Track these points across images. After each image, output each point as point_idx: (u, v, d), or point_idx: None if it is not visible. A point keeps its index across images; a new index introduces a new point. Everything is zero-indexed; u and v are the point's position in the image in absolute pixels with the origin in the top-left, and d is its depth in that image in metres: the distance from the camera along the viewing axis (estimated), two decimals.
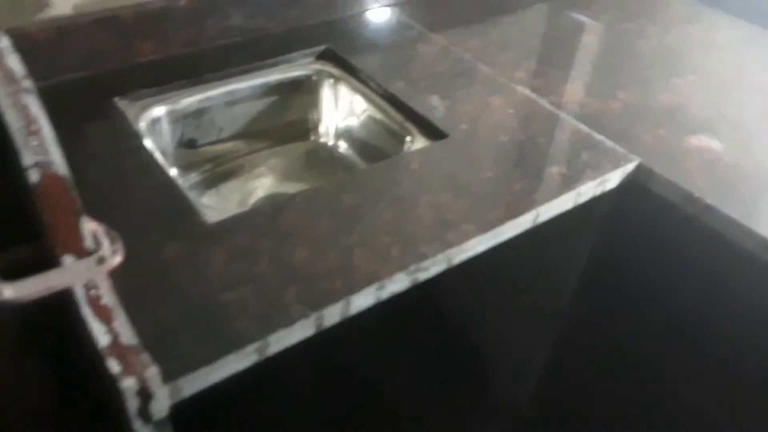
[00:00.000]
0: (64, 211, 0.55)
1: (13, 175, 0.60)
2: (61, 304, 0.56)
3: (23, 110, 0.61)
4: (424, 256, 0.75)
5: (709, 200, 0.86)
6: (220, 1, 1.08)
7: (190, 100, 1.03)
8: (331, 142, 1.18)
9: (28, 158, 0.58)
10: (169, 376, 0.59)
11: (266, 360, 0.66)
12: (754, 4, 1.33)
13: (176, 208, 0.79)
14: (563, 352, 1.18)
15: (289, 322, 0.66)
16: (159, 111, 0.99)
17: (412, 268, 0.73)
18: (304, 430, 0.86)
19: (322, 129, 1.17)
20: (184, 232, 0.76)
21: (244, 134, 1.13)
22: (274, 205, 0.81)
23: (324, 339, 0.70)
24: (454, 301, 0.95)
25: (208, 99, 1.05)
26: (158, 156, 0.87)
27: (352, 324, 0.72)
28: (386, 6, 1.28)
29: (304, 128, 1.17)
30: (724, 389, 0.95)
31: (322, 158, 1.17)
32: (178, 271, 0.71)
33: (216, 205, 1.04)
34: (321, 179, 1.12)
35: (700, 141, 0.97)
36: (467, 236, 0.78)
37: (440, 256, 0.75)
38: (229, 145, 1.12)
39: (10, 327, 0.69)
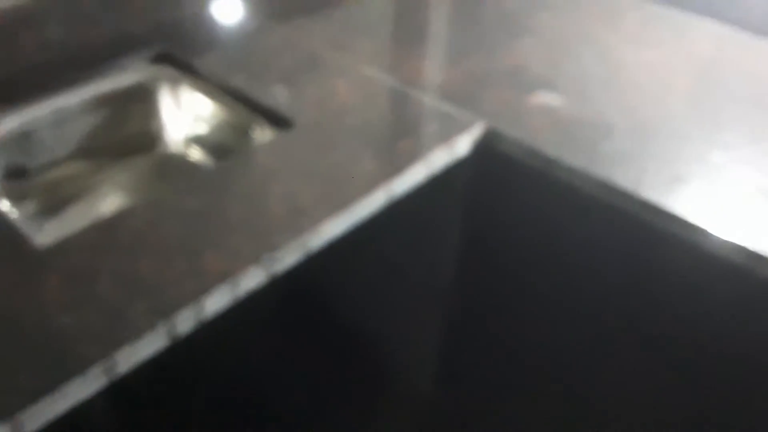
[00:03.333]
0: None
1: None
2: None
3: None
4: (277, 247, 0.72)
5: (552, 153, 0.89)
6: (33, 14, 1.00)
7: (10, 124, 0.93)
8: (180, 150, 1.12)
9: None
10: (8, 411, 0.53)
11: (120, 380, 0.61)
12: None
13: (1, 238, 0.72)
14: (457, 328, 1.19)
15: (136, 336, 0.61)
16: None
17: (266, 260, 0.70)
18: None
19: (168, 137, 1.11)
20: (13, 261, 0.69)
21: (82, 153, 1.05)
22: (112, 219, 0.75)
23: (192, 347, 0.66)
24: (332, 289, 0.92)
25: (32, 120, 0.96)
26: None
27: (219, 327, 0.68)
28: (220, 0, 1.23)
29: (149, 138, 1.10)
30: (596, 335, 0.99)
31: (174, 168, 1.11)
32: (9, 303, 0.64)
33: (59, 233, 0.96)
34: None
35: (541, 98, 1.01)
36: (321, 220, 0.76)
37: (294, 244, 0.73)
38: (67, 167, 1.04)
39: None
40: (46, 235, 0.94)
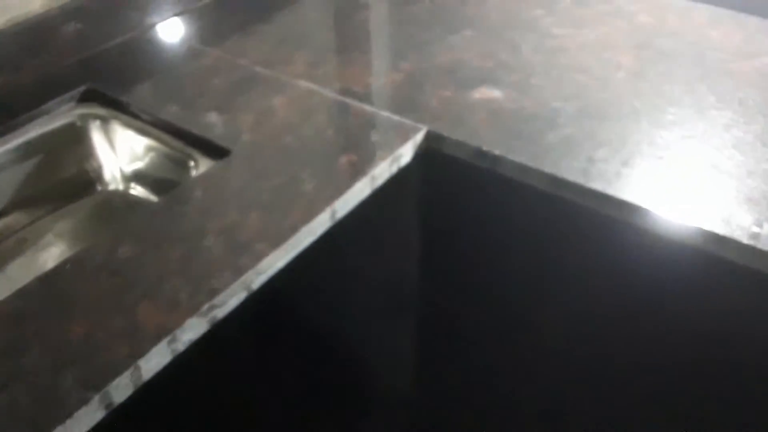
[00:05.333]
0: None
1: None
2: None
3: None
4: (216, 292, 0.68)
5: (497, 151, 0.86)
6: None
7: None
8: (121, 187, 1.08)
9: None
10: None
11: None
12: None
13: None
14: (429, 329, 1.17)
15: (67, 414, 0.57)
16: None
17: (205, 308, 0.67)
18: None
19: (107, 176, 1.07)
20: None
21: (16, 205, 1.00)
22: (41, 280, 0.71)
23: (130, 414, 0.63)
24: (288, 312, 0.90)
25: None
26: None
27: (158, 386, 0.65)
28: (149, 27, 1.19)
29: (86, 180, 1.06)
30: (563, 329, 0.97)
31: (116, 207, 1.07)
32: None
33: None
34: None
35: (482, 93, 0.98)
36: (261, 255, 0.72)
37: (235, 286, 0.69)
38: (1, 221, 0.99)
39: None
40: None
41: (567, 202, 0.82)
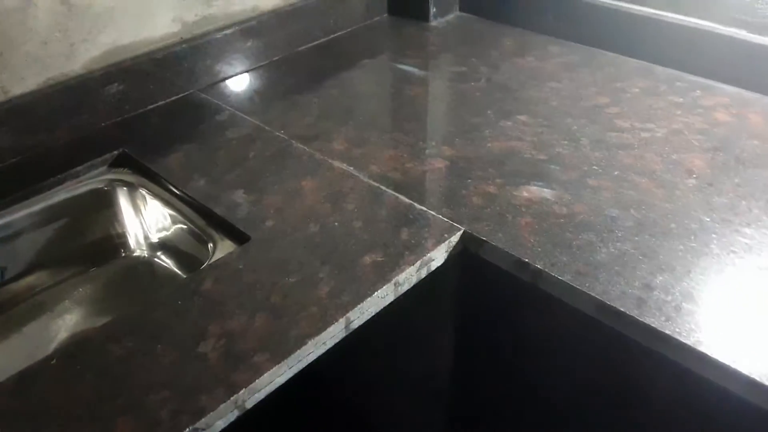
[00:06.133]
0: None
1: None
2: None
3: None
4: (203, 412, 0.61)
5: (539, 263, 0.76)
6: None
7: None
8: (146, 254, 1.04)
9: None
10: None
11: None
12: (582, 26, 1.29)
13: None
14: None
15: None
16: None
17: (187, 431, 0.60)
18: None
19: (132, 242, 1.03)
20: None
21: (38, 266, 0.97)
22: (22, 376, 0.66)
23: None
24: (298, 424, 0.81)
25: None
26: None
27: None
28: (190, 92, 1.16)
29: (111, 245, 1.03)
30: None
31: (141, 275, 1.03)
32: None
33: None
34: (140, 303, 0.97)
35: (530, 192, 0.89)
36: (259, 371, 0.65)
37: (223, 407, 0.62)
38: (20, 283, 0.97)
39: None
40: None
41: (616, 333, 0.71)
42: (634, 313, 0.69)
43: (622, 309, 0.70)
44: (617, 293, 0.72)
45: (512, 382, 0.93)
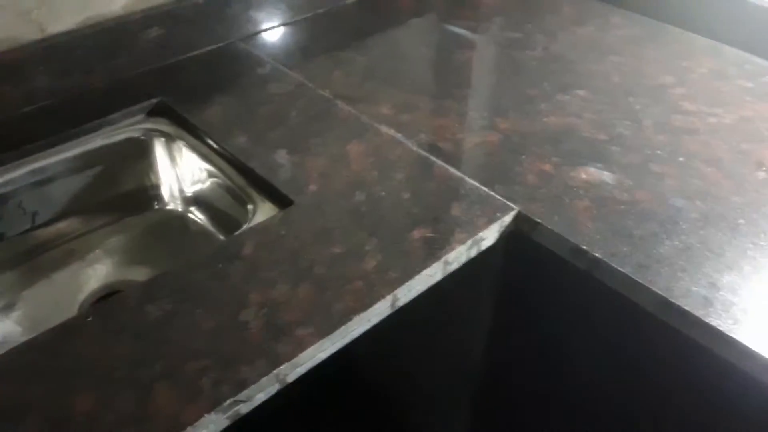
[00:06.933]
0: None
1: None
2: None
3: None
4: (244, 384, 0.58)
5: (597, 252, 0.72)
6: (15, 59, 0.90)
7: None
8: (180, 209, 1.00)
9: None
10: None
11: None
12: None
13: None
14: (485, 414, 1.04)
15: None
16: None
17: (227, 402, 0.57)
18: None
19: (166, 195, 1.00)
20: None
21: (70, 213, 0.95)
22: (57, 332, 0.63)
23: None
24: (338, 399, 0.79)
25: (7, 182, 0.86)
26: None
27: None
28: (231, 42, 1.11)
29: (145, 197, 1.00)
30: None
31: (174, 229, 1.00)
32: None
33: (23, 316, 0.86)
34: (172, 258, 0.95)
35: (589, 174, 0.84)
36: (302, 345, 0.62)
37: (265, 380, 0.59)
38: (51, 229, 0.94)
39: None
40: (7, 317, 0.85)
41: (677, 332, 0.67)
42: (699, 313, 0.65)
43: (686, 308, 0.66)
44: (681, 290, 0.68)
45: (549, 370, 0.90)
